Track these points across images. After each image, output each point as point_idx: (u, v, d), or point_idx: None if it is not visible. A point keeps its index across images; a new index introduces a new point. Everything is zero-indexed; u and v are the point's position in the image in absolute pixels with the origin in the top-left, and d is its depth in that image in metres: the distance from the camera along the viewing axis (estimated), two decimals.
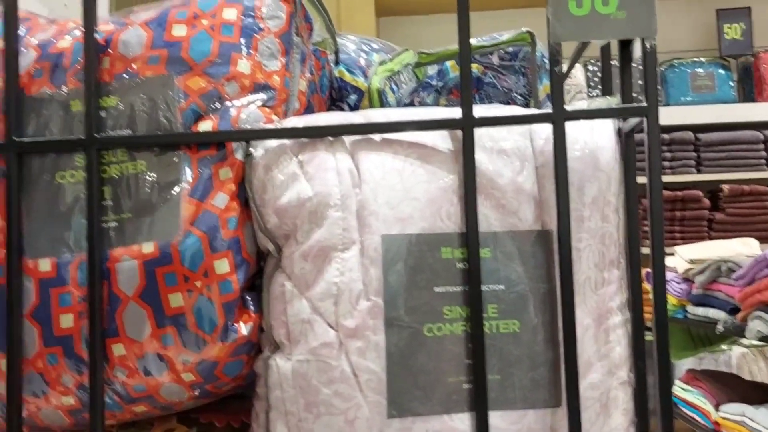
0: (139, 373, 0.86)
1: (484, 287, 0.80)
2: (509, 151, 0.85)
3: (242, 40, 0.91)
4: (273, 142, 0.86)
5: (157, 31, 0.91)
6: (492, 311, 0.81)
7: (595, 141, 0.88)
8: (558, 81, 0.81)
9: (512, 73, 1.23)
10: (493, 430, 0.79)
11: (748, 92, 3.26)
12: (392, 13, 3.56)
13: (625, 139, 0.91)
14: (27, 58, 0.92)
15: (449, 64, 1.24)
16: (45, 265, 0.87)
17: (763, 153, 3.02)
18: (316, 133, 0.84)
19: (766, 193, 2.92)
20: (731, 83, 3.22)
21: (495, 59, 1.22)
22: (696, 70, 3.20)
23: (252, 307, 0.87)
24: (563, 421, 0.81)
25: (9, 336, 0.85)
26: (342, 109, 1.19)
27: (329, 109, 1.18)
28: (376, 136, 0.85)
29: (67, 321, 0.86)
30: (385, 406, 0.78)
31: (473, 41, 1.23)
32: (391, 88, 1.26)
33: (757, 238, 2.60)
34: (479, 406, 0.78)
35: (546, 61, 1.23)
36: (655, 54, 0.81)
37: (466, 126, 0.81)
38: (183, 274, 0.83)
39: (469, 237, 0.80)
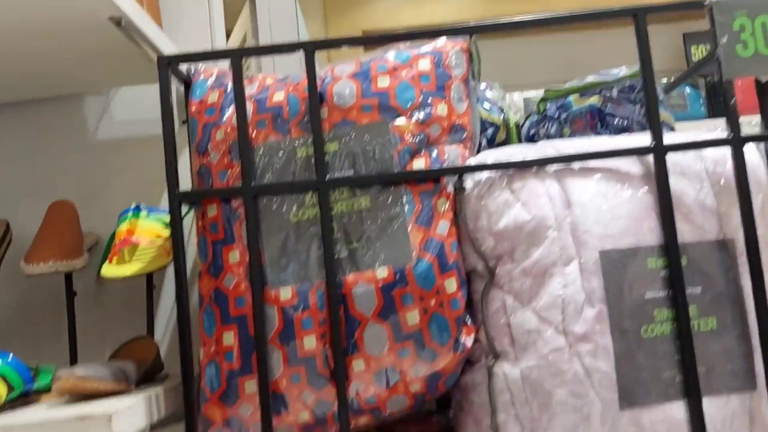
0: (374, 385, 0.96)
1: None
2: (689, 173, 0.98)
3: (438, 87, 1.04)
4: (481, 175, 0.98)
5: (364, 83, 1.03)
6: (693, 311, 0.93)
7: (751, 160, 1.02)
8: (733, 110, 0.95)
9: (629, 103, 1.38)
10: (705, 415, 0.90)
11: (716, 109, 3.45)
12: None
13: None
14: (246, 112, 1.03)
15: (572, 97, 1.38)
16: (286, 293, 0.97)
17: None
18: (531, 165, 0.96)
19: None
20: (701, 101, 3.42)
21: (614, 92, 1.36)
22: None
23: (470, 321, 0.98)
24: (759, 403, 0.93)
25: (258, 360, 0.95)
26: (480, 142, 1.32)
27: None
28: (576, 164, 0.97)
29: (309, 342, 0.96)
30: (616, 401, 0.89)
31: (595, 78, 1.39)
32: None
33: None
34: (693, 395, 0.90)
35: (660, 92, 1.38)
36: None
37: (659, 152, 0.94)
38: (419, 295, 0.94)
39: (670, 248, 0.92)
